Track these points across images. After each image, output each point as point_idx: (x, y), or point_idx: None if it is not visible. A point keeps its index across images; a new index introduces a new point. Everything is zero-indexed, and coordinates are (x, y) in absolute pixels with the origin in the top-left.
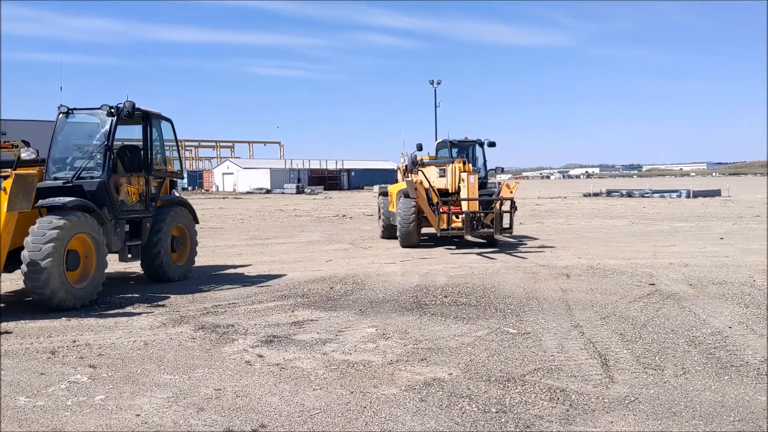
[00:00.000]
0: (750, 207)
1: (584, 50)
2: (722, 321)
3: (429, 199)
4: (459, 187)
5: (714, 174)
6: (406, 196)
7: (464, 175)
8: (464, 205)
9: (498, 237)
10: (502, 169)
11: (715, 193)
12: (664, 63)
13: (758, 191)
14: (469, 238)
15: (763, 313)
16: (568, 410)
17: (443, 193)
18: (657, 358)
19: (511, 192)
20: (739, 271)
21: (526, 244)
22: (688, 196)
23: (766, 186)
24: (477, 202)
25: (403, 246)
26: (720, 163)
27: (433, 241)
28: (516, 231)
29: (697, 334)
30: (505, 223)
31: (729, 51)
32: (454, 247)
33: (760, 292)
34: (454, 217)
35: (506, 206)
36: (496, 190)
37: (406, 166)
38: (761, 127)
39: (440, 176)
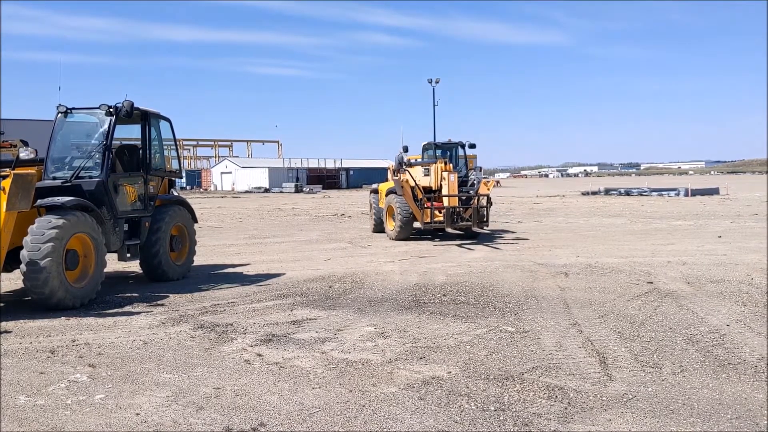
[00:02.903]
0: (748, 205)
1: (582, 49)
2: (720, 319)
3: (414, 196)
4: (441, 185)
5: (712, 172)
6: (394, 193)
7: (446, 174)
8: (445, 201)
9: (475, 229)
10: (481, 168)
11: (714, 192)
12: (662, 61)
13: (756, 189)
14: (449, 230)
15: (760, 311)
16: (566, 408)
17: (428, 190)
18: (655, 356)
19: (488, 189)
20: (736, 269)
21: (524, 242)
22: (686, 195)
23: (765, 184)
24: (457, 198)
25: (399, 238)
26: (718, 162)
27: (418, 235)
28: (514, 229)
29: (695, 332)
30: (482, 217)
31: (727, 49)
32: (438, 239)
33: (757, 290)
34: (436, 212)
35: (483, 202)
36: (475, 187)
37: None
38: (760, 126)
39: (425, 175)
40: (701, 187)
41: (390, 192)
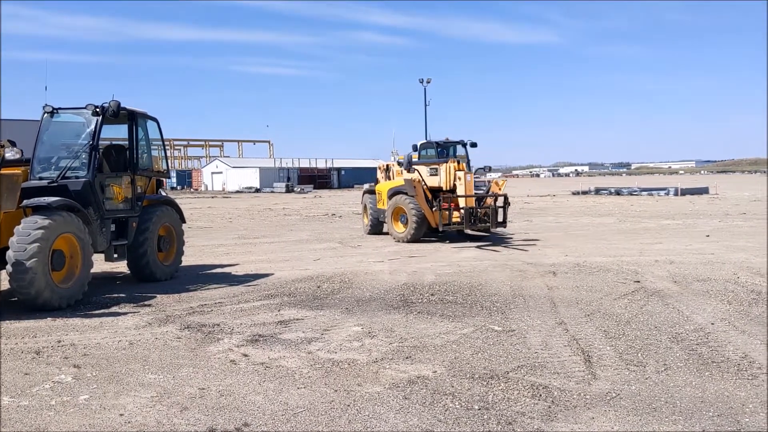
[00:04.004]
0: (737, 204)
1: (575, 49)
2: (705, 317)
3: (425, 197)
4: (455, 185)
5: (702, 172)
6: (401, 194)
7: (461, 174)
8: (461, 202)
9: (493, 230)
10: (490, 168)
11: (703, 191)
12: (654, 61)
13: (745, 189)
14: (468, 231)
15: (745, 309)
16: (550, 407)
17: (434, 190)
18: (639, 355)
19: (499, 189)
20: (723, 268)
21: (514, 242)
22: (675, 194)
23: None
24: (474, 198)
25: (412, 241)
26: (709, 161)
27: (424, 236)
28: (506, 228)
29: (680, 331)
30: (499, 217)
31: (720, 48)
32: (448, 240)
33: (743, 289)
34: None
35: (500, 202)
36: (484, 187)
37: (387, 165)
38: (750, 125)
39: (431, 175)
40: (691, 186)
41: (397, 192)
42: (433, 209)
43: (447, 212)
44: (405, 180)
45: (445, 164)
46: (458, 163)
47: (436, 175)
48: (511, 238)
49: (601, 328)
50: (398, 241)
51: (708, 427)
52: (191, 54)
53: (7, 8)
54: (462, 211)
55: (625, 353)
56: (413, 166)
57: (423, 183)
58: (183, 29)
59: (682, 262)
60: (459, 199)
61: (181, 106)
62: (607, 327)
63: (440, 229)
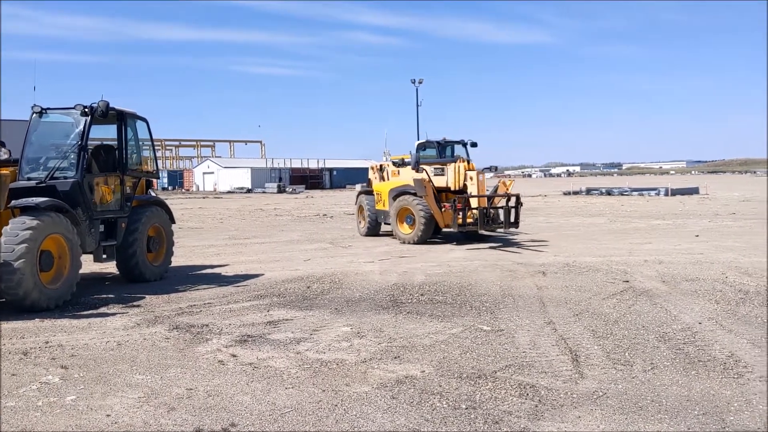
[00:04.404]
0: (726, 205)
1: (569, 48)
2: (693, 317)
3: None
4: (465, 185)
5: (693, 172)
6: (407, 194)
7: (472, 174)
8: (474, 202)
9: (502, 230)
10: (496, 167)
11: (693, 191)
12: (650, 61)
13: (735, 189)
14: (482, 232)
15: (732, 309)
16: (536, 406)
17: (440, 190)
18: (627, 354)
19: (507, 189)
20: (712, 267)
21: (505, 242)
22: (666, 194)
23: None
24: (486, 198)
25: (419, 242)
26: (699, 161)
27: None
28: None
29: (668, 330)
30: (512, 218)
31: (715, 48)
32: (454, 242)
33: (731, 289)
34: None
35: (512, 202)
36: (495, 186)
37: (380, 165)
38: (747, 125)
39: (436, 175)
40: (681, 186)
41: (403, 193)
42: (443, 210)
43: (462, 213)
44: (414, 180)
45: (453, 164)
46: (468, 162)
47: (443, 174)
48: (504, 238)
49: (589, 328)
50: (404, 243)
51: (693, 426)
52: (191, 54)
53: (6, 8)
54: (475, 211)
55: (612, 352)
56: (397, 167)
57: (431, 183)
58: (183, 29)
59: (671, 262)
60: (471, 199)
61: (181, 106)
62: (595, 326)
63: (455, 230)
